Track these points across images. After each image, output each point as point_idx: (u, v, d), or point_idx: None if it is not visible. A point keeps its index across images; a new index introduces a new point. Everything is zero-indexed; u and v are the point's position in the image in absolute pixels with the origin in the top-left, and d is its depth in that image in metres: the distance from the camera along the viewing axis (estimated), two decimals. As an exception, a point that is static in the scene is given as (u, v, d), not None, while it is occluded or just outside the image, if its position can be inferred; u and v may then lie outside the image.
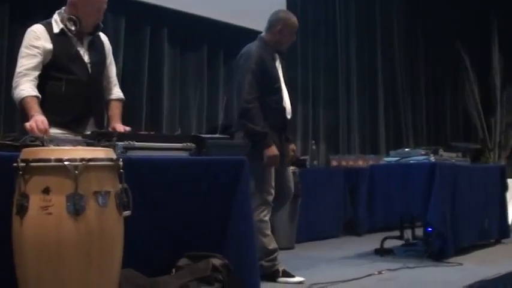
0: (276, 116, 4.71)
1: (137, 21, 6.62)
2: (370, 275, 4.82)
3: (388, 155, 6.62)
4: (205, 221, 3.50)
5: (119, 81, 4.09)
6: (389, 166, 6.15)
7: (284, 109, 4.74)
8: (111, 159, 2.53)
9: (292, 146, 5.04)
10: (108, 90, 3.91)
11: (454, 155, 6.37)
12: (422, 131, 11.33)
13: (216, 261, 3.32)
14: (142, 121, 6.47)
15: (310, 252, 6.23)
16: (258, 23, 7.30)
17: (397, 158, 6.21)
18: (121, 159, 2.58)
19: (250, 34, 7.39)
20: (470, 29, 12.09)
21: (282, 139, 4.78)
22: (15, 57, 3.65)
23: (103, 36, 3.89)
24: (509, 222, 6.91)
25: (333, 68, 9.37)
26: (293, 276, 4.63)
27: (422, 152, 6.11)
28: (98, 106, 3.83)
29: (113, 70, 3.96)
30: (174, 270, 3.32)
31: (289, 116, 4.78)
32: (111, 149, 2.67)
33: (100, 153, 2.52)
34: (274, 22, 4.80)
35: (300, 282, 4.56)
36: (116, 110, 3.87)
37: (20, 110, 3.53)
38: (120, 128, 3.62)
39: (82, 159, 2.40)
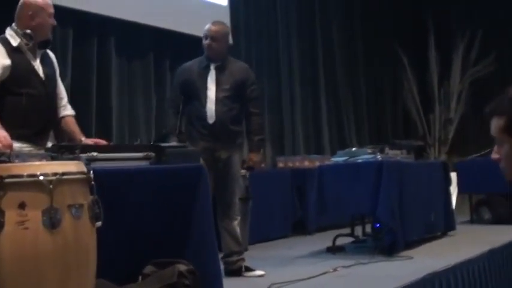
0: (198, 121, 4.94)
1: (84, 31, 6.63)
2: (325, 272, 4.92)
3: (335, 154, 6.74)
4: (169, 228, 3.58)
5: (68, 91, 4.14)
6: (337, 166, 6.27)
7: (205, 114, 4.90)
8: (83, 173, 2.59)
9: (250, 155, 5.16)
10: (62, 106, 3.96)
11: (399, 152, 6.55)
12: (364, 129, 11.56)
13: (182, 267, 3.40)
14: (92, 130, 6.46)
15: (263, 253, 6.31)
16: (202, 31, 7.44)
17: (345, 158, 6.33)
18: (91, 172, 2.65)
19: (195, 42, 7.49)
20: (407, 29, 12.43)
21: (212, 143, 4.90)
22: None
23: (50, 53, 3.95)
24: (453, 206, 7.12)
25: (275, 71, 9.53)
26: None
27: (369, 151, 6.25)
28: (55, 119, 3.88)
29: (62, 86, 4.02)
30: (140, 278, 3.39)
31: (210, 121, 4.90)
32: (81, 162, 2.73)
33: (72, 167, 2.58)
34: None
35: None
36: (75, 126, 3.93)
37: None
38: (101, 141, 3.70)
39: (55, 174, 2.46)
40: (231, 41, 5.76)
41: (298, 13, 10.08)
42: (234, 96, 4.97)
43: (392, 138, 10.99)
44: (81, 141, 3.72)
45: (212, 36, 4.97)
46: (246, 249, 6.49)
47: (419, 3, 12.48)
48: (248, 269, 4.97)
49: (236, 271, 4.90)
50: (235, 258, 4.96)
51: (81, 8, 6.38)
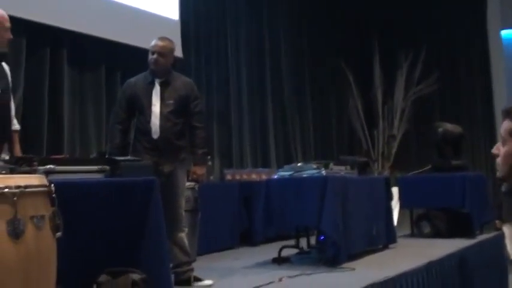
0: (143, 135, 5.01)
1: (37, 42, 6.68)
2: (271, 282, 5.06)
3: (281, 168, 6.90)
4: (123, 238, 3.71)
5: (20, 101, 4.21)
6: (284, 180, 6.41)
7: (150, 129, 4.98)
8: (44, 185, 2.70)
9: (194, 169, 5.23)
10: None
11: (343, 168, 6.72)
12: (310, 144, 11.80)
13: (135, 276, 3.54)
14: (44, 141, 6.52)
15: (212, 263, 6.41)
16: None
17: (291, 172, 6.50)
18: (53, 185, 2.76)
19: (146, 55, 7.61)
20: (353, 48, 12.75)
21: (156, 157, 4.92)
22: None
23: (5, 65, 4.01)
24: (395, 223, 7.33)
25: (225, 85, 9.73)
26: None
27: (314, 166, 6.40)
28: (10, 132, 3.95)
29: (12, 99, 4.08)
30: (95, 286, 3.51)
31: (155, 136, 4.97)
32: (43, 176, 2.84)
33: (34, 180, 2.69)
34: None
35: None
36: (16, 143, 4.01)
37: None
38: None
39: (18, 186, 2.57)
40: (180, 54, 5.81)
41: (247, 29, 10.34)
42: (178, 111, 5.05)
43: (337, 153, 11.28)
44: None
45: (159, 52, 5.05)
46: (194, 260, 6.63)
47: (365, 23, 12.83)
48: (197, 279, 5.09)
49: (185, 281, 5.02)
50: (184, 268, 5.08)
51: (34, 19, 6.45)
